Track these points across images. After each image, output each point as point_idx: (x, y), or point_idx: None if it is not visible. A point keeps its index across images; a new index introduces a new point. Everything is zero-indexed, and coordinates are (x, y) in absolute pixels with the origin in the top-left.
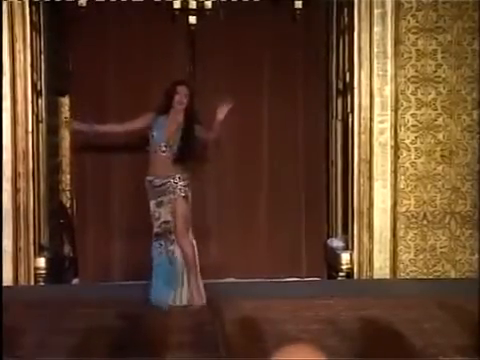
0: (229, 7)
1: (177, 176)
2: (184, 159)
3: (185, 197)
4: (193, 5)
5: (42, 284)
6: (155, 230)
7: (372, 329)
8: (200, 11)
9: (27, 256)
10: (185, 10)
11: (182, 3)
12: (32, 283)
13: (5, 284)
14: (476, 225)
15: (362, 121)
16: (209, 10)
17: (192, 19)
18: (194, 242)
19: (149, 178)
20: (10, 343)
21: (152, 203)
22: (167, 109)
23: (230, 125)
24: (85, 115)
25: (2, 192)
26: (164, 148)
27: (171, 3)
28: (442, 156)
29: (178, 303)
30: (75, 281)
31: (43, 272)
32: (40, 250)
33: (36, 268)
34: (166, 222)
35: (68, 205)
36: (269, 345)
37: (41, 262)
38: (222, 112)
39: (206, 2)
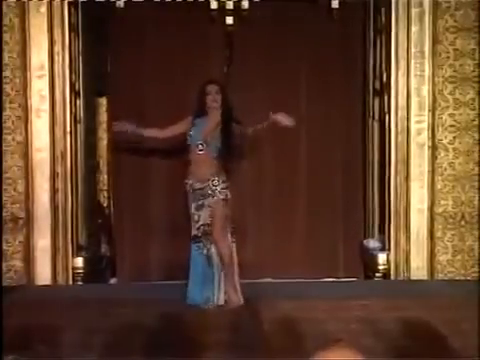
0: (266, 7)
1: (216, 178)
2: (224, 158)
3: (224, 199)
4: (230, 5)
5: (80, 283)
6: (194, 232)
7: (410, 329)
8: (237, 11)
9: (65, 256)
10: (222, 10)
11: (219, 4)
12: (70, 282)
13: (44, 283)
14: None
15: (399, 121)
16: (246, 10)
17: (229, 19)
18: (233, 244)
19: (189, 181)
20: (49, 341)
21: (193, 206)
22: (203, 110)
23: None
24: (125, 116)
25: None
26: (201, 147)
27: (208, 3)
28: None
29: (214, 303)
30: (113, 281)
31: (81, 272)
32: (78, 250)
33: (74, 268)
34: (205, 225)
35: (106, 205)
36: (308, 345)
37: (79, 262)
38: (281, 120)
39: (243, 2)
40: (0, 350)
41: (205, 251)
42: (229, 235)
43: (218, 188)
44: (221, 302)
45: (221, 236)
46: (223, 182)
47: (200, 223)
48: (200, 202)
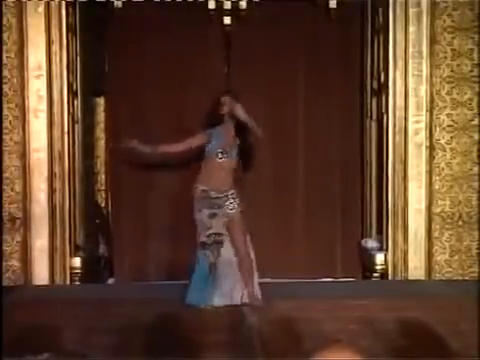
0: (264, 7)
1: (234, 191)
2: (243, 167)
3: (239, 210)
4: (228, 6)
5: (77, 283)
6: (202, 239)
7: (408, 330)
8: (235, 12)
9: (63, 256)
10: (220, 11)
11: (217, 4)
12: (68, 282)
13: (41, 283)
14: None
15: (397, 121)
16: (244, 10)
17: (227, 20)
18: (252, 253)
19: (203, 188)
20: (47, 341)
21: (205, 213)
22: (219, 122)
23: (265, 125)
24: (121, 116)
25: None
26: (221, 155)
27: (206, 4)
28: (478, 156)
29: (212, 304)
30: (110, 281)
31: (79, 272)
32: (76, 250)
33: (72, 268)
34: (218, 234)
35: (103, 205)
36: (306, 345)
37: (77, 262)
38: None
39: (241, 2)
40: (0, 350)
41: (212, 259)
42: (249, 243)
43: (236, 201)
44: (227, 302)
45: (243, 245)
46: (237, 196)
47: (212, 231)
48: (214, 211)
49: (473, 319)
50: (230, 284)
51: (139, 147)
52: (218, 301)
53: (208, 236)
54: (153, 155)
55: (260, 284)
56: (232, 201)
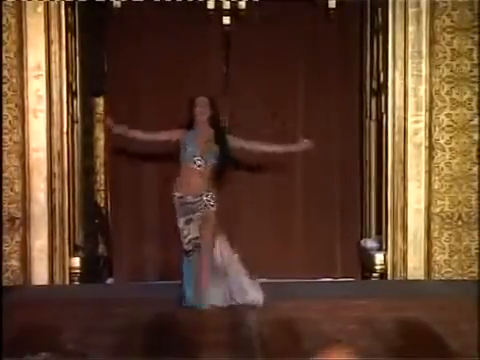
0: (263, 7)
1: (210, 193)
2: (219, 172)
3: (214, 212)
4: (227, 6)
5: (77, 283)
6: (185, 247)
7: (407, 330)
8: (234, 12)
9: (62, 256)
10: (219, 10)
11: (216, 4)
12: (67, 282)
13: (40, 283)
14: None
15: (396, 121)
16: (243, 10)
17: (226, 20)
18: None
19: (179, 194)
20: (46, 341)
21: (181, 220)
22: (193, 123)
23: (265, 123)
24: (120, 116)
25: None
26: (199, 162)
27: (205, 4)
28: (478, 156)
29: (214, 303)
30: (109, 281)
31: (78, 272)
32: (75, 250)
33: (71, 268)
34: (195, 238)
35: (102, 205)
36: (305, 345)
37: (76, 262)
38: (299, 147)
39: (240, 2)
40: (0, 350)
41: (191, 259)
42: (224, 242)
43: (210, 202)
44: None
45: (209, 244)
46: (214, 196)
47: (190, 237)
48: (189, 216)
49: (473, 319)
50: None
51: (125, 133)
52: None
53: (188, 243)
54: (124, 136)
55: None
56: (206, 203)
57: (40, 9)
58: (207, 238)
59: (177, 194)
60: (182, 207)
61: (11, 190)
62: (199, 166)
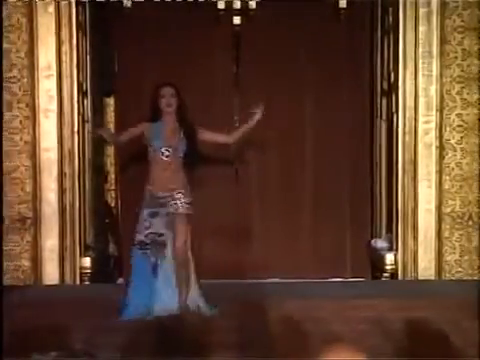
0: (273, 7)
1: (180, 191)
2: (190, 165)
3: (187, 215)
4: (237, 5)
5: (87, 283)
6: (139, 238)
7: (417, 330)
8: (244, 11)
9: (73, 255)
10: (229, 10)
11: (226, 3)
12: (77, 282)
13: (51, 283)
14: None
15: (407, 121)
16: (253, 10)
17: (236, 19)
18: (191, 260)
19: (149, 187)
20: (56, 341)
21: (146, 211)
22: (158, 115)
23: (275, 123)
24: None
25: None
26: (167, 152)
27: (215, 3)
28: None
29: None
30: (120, 280)
31: (88, 271)
32: (85, 249)
33: (81, 267)
34: (158, 234)
35: (113, 205)
36: (315, 345)
37: (86, 261)
38: (253, 119)
39: (250, 2)
40: (0, 350)
41: (153, 259)
42: (189, 252)
43: (181, 201)
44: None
45: (183, 252)
46: (187, 197)
47: (150, 231)
48: (155, 209)
49: None
50: (170, 290)
51: (104, 134)
52: (158, 310)
53: (146, 236)
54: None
55: (268, 284)
56: (177, 201)
57: (51, 9)
58: (178, 247)
59: (148, 187)
60: (150, 199)
61: (22, 190)
62: (167, 156)
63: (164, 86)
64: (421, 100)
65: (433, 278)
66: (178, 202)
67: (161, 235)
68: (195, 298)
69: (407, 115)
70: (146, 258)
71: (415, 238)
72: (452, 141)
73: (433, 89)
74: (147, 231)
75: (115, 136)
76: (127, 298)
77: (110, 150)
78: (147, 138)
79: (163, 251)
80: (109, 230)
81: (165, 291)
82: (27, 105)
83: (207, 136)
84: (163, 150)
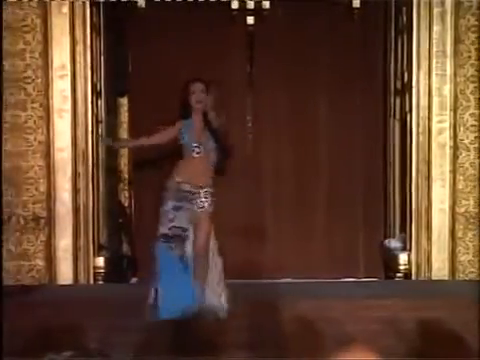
0: (287, 7)
1: (207, 189)
2: (221, 162)
3: (209, 209)
4: (251, 5)
5: (101, 283)
6: (163, 231)
7: (431, 330)
8: (258, 11)
9: (87, 255)
10: (243, 10)
11: (240, 3)
12: (91, 282)
13: (65, 282)
14: None
15: (421, 121)
16: (267, 10)
17: (250, 19)
18: (220, 259)
19: (178, 179)
20: (70, 340)
21: (171, 203)
22: (189, 112)
23: (287, 124)
24: (144, 115)
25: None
26: (198, 149)
27: (229, 3)
28: None
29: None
30: (133, 280)
31: (102, 271)
32: (99, 249)
33: (95, 267)
34: (181, 228)
35: (126, 204)
36: (328, 345)
37: (100, 261)
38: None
39: (264, 2)
40: (0, 350)
41: (178, 252)
42: (214, 251)
43: (208, 200)
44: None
45: (204, 252)
46: (212, 195)
47: (173, 224)
48: (180, 203)
49: None
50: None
51: (123, 144)
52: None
53: (170, 229)
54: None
55: (282, 284)
56: (203, 199)
57: (65, 9)
58: (200, 246)
59: (177, 179)
60: (176, 192)
61: (36, 190)
62: (198, 153)
63: (194, 82)
64: (435, 100)
65: (447, 278)
66: (204, 199)
67: (185, 230)
68: (212, 297)
69: (421, 115)
70: (171, 252)
71: (429, 238)
72: (466, 141)
73: (447, 89)
74: (171, 224)
75: (146, 140)
76: (157, 297)
77: (123, 150)
78: (179, 135)
79: (185, 246)
80: (122, 230)
81: (187, 288)
82: (41, 105)
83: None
84: (194, 147)
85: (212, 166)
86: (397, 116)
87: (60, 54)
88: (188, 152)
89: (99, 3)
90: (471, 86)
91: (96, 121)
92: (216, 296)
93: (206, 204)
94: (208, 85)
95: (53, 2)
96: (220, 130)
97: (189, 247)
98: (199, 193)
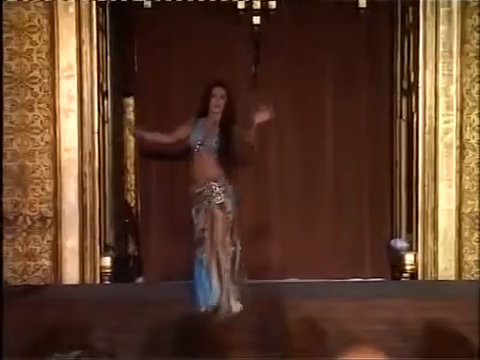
0: (293, 7)
1: (215, 183)
2: (225, 160)
3: (223, 204)
4: (257, 5)
5: (107, 283)
6: (195, 236)
7: (437, 330)
8: (264, 11)
9: (93, 255)
10: (249, 10)
11: (246, 3)
12: (98, 282)
13: (71, 282)
14: None
15: (427, 121)
16: (273, 10)
17: (256, 19)
18: (236, 249)
19: (191, 186)
20: (76, 340)
21: (193, 209)
22: (205, 112)
23: (294, 124)
24: (150, 116)
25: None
26: (198, 147)
27: (235, 3)
28: None
29: (211, 307)
30: (139, 280)
31: (108, 271)
32: (105, 249)
33: (101, 267)
34: (201, 230)
35: (133, 205)
36: (333, 345)
37: (106, 261)
38: (260, 118)
39: (270, 2)
40: (0, 349)
41: (199, 255)
42: (235, 243)
43: (215, 193)
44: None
45: (223, 245)
46: (222, 186)
47: (198, 227)
48: (199, 205)
49: None
50: (206, 286)
51: (143, 135)
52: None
53: (197, 232)
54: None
55: (287, 284)
56: (219, 196)
57: (72, 9)
58: (218, 239)
59: (191, 187)
60: (196, 196)
61: (42, 190)
62: (198, 151)
63: (216, 85)
64: (441, 100)
65: (453, 279)
66: (212, 195)
67: (204, 230)
68: (227, 295)
69: (427, 115)
70: (200, 255)
71: (435, 238)
72: (472, 141)
73: (453, 89)
74: (197, 228)
75: (161, 136)
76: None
77: (130, 150)
78: (189, 134)
79: (203, 246)
80: (129, 230)
81: (202, 287)
82: (48, 105)
83: (239, 133)
84: (197, 145)
85: (217, 160)
86: (403, 116)
87: (67, 54)
88: (193, 150)
89: (105, 3)
90: (477, 86)
91: (102, 121)
92: (231, 293)
93: (214, 198)
94: (229, 90)
95: (60, 2)
96: (238, 140)
97: (207, 246)
98: (212, 190)
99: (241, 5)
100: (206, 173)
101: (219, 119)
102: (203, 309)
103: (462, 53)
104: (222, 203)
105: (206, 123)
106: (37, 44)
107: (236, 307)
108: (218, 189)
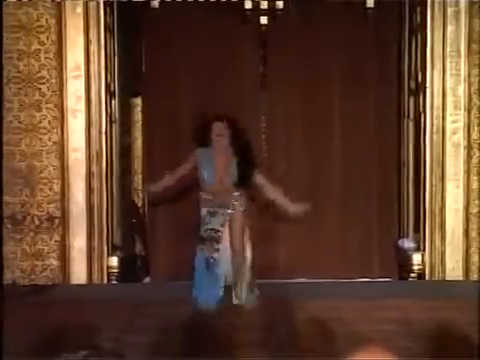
0: (300, 7)
1: (237, 194)
2: (245, 176)
3: (244, 211)
4: (264, 5)
5: (114, 282)
6: (200, 234)
7: (444, 330)
8: (271, 11)
9: (100, 255)
10: (256, 10)
11: (253, 3)
12: (105, 281)
13: (79, 282)
14: None
15: (435, 121)
16: (280, 10)
17: (263, 19)
18: (249, 254)
19: (207, 197)
20: (84, 340)
21: (205, 210)
22: (208, 142)
23: (302, 123)
24: (158, 116)
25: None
26: (216, 181)
27: (242, 3)
28: None
29: (220, 302)
30: (147, 280)
31: (116, 271)
32: (113, 249)
33: (109, 267)
34: (214, 230)
35: (140, 205)
36: (341, 345)
37: (114, 261)
38: (294, 210)
39: (278, 2)
40: (0, 349)
41: (206, 254)
42: (247, 246)
43: (237, 200)
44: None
45: (239, 249)
46: (241, 195)
47: (208, 226)
48: (213, 209)
49: None
50: (217, 286)
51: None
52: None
53: (205, 231)
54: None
55: (295, 284)
56: (235, 203)
57: (79, 10)
58: (236, 244)
59: (204, 196)
60: (206, 201)
61: (50, 190)
62: (216, 183)
63: (216, 120)
64: (449, 99)
65: (460, 279)
66: (235, 202)
67: (218, 231)
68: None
69: (435, 115)
70: (201, 253)
71: (442, 238)
72: None
73: (461, 89)
74: (206, 227)
75: (169, 178)
76: (193, 291)
77: (137, 150)
78: (199, 166)
79: (216, 247)
80: (136, 230)
81: (211, 287)
82: (55, 105)
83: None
84: (212, 182)
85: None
86: (411, 116)
87: (74, 54)
88: (207, 184)
89: (113, 3)
90: None
91: (110, 121)
92: (246, 292)
93: (237, 205)
94: (231, 120)
95: (67, 2)
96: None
97: (221, 246)
98: (229, 198)
99: (248, 5)
100: (227, 195)
101: (231, 154)
102: (204, 307)
103: (470, 53)
104: (241, 208)
105: (214, 157)
106: (45, 44)
107: (253, 301)
108: (240, 197)
